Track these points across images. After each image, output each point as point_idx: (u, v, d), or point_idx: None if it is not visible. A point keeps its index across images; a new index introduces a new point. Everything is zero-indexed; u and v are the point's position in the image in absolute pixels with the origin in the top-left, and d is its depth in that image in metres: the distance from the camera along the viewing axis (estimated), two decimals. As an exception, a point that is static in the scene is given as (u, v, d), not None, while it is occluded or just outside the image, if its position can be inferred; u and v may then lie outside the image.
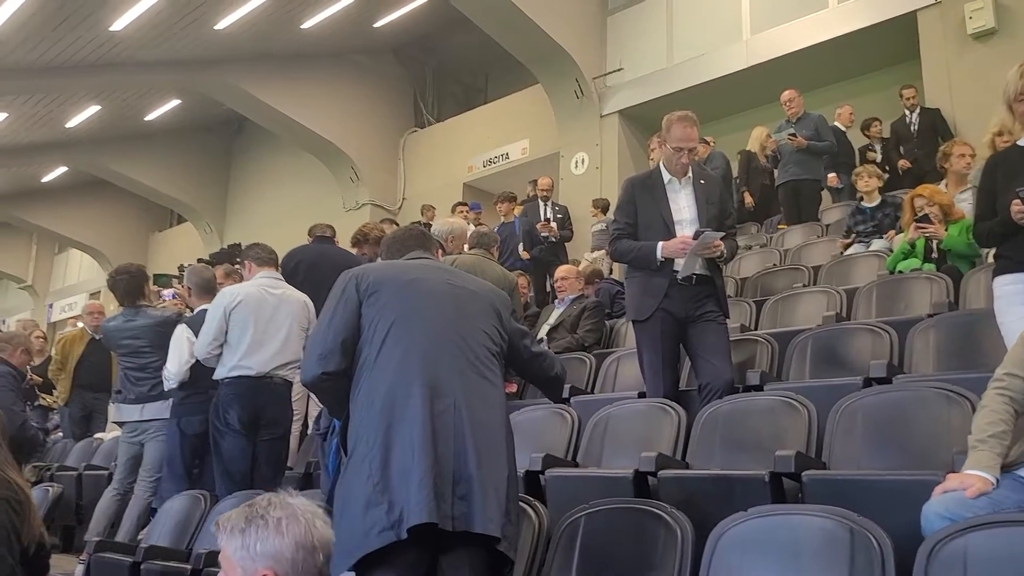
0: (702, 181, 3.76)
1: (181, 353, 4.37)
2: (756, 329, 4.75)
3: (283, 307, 4.33)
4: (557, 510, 2.78)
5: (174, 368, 4.35)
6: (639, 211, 3.70)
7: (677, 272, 3.59)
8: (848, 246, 5.79)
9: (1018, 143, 2.87)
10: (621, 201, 3.81)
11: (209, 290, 4.73)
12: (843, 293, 4.72)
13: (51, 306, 19.88)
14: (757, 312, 4.99)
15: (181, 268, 8.72)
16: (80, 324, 8.19)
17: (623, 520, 2.53)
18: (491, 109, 12.92)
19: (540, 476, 3.18)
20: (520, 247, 7.14)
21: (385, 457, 2.16)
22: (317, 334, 2.42)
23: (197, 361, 4.31)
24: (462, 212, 8.09)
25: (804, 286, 5.26)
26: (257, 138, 15.85)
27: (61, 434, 7.45)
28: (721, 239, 3.57)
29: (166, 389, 4.50)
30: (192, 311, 4.92)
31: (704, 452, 3.15)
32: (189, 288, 4.72)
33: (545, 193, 8.43)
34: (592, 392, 4.47)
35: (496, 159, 12.44)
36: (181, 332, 4.44)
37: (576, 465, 3.45)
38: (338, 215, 11.90)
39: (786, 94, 7.53)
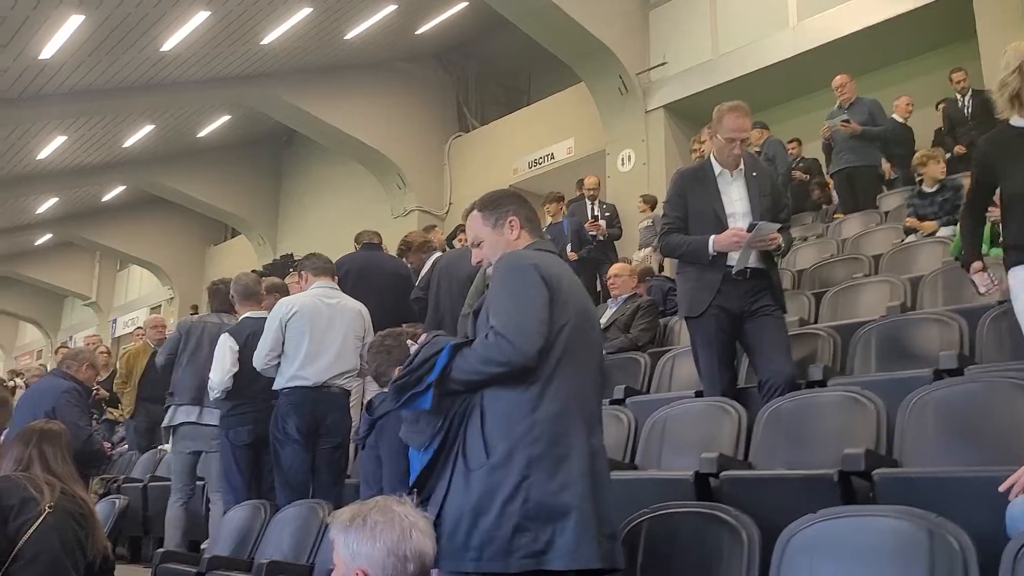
0: (754, 173, 3.66)
1: (224, 363, 4.40)
2: (816, 322, 4.61)
3: (338, 317, 4.36)
4: (618, 515, 2.72)
5: (217, 378, 4.39)
6: (690, 204, 3.62)
7: (731, 266, 3.50)
8: (917, 227, 5.63)
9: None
10: (671, 194, 3.73)
11: (252, 297, 4.77)
12: (907, 282, 4.56)
13: (115, 321, 20.49)
14: (816, 305, 4.85)
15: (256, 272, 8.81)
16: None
17: (687, 525, 2.46)
18: (534, 110, 12.88)
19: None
20: (568, 248, 7.08)
21: (545, 483, 2.05)
22: (520, 308, 2.13)
23: (240, 372, 4.36)
24: (461, 240, 7.84)
25: (865, 276, 5.09)
26: (305, 149, 16.09)
27: (127, 447, 7.64)
28: (777, 231, 3.47)
29: (211, 399, 4.55)
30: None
31: (767, 452, 3.06)
32: (235, 296, 4.77)
33: (592, 192, 8.34)
34: (648, 392, 4.39)
35: (541, 160, 12.39)
36: (224, 342, 4.47)
37: (634, 467, 3.39)
38: (386, 222, 12.00)
39: (838, 79, 7.33)
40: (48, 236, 18.55)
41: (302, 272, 4.71)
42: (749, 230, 3.42)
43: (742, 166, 3.64)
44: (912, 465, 2.60)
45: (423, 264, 5.63)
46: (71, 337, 20.76)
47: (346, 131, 13.00)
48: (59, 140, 12.74)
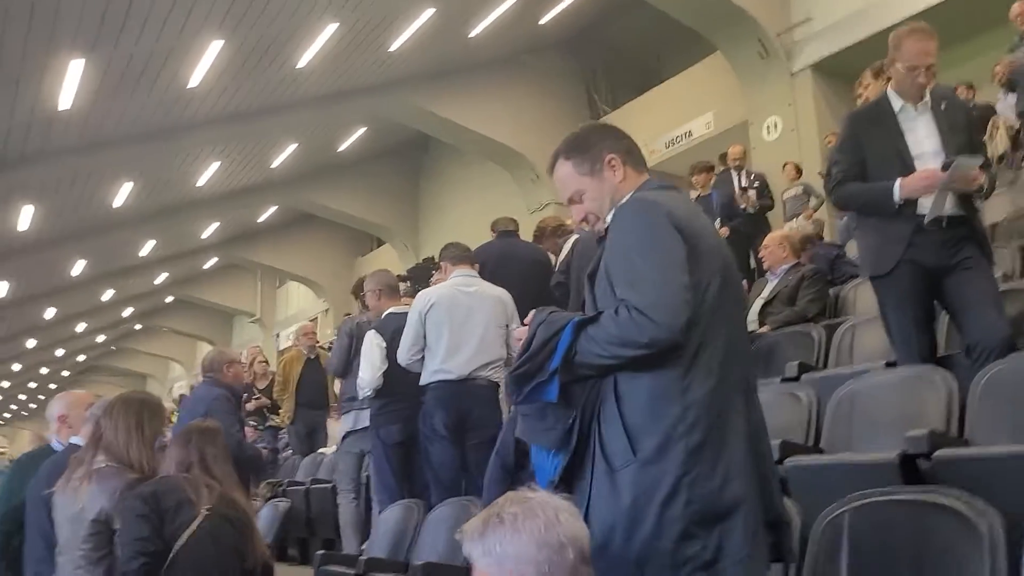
0: (943, 105, 3.12)
1: (372, 360, 4.32)
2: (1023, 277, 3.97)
3: (478, 306, 4.19)
4: (806, 506, 2.33)
5: (367, 376, 4.32)
6: (867, 148, 3.11)
7: (922, 215, 2.99)
8: None
9: None
10: (842, 139, 3.24)
11: (392, 293, 4.69)
12: None
13: (278, 335, 21.64)
14: (1021, 258, 4.18)
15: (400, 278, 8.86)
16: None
17: (901, 516, 2.03)
18: (668, 88, 12.36)
19: (779, 466, 2.73)
20: (717, 222, 6.60)
21: (707, 478, 1.70)
22: (658, 272, 1.73)
23: (388, 369, 4.26)
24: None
25: (1078, 222, 4.36)
26: (441, 153, 16.29)
27: (290, 451, 7.87)
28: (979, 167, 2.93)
29: (360, 398, 4.49)
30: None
31: (988, 426, 2.56)
32: (379, 291, 4.69)
33: (737, 162, 7.80)
34: (825, 367, 3.91)
35: (679, 139, 11.87)
36: (371, 338, 4.40)
37: (820, 451, 2.95)
38: (523, 217, 11.84)
39: (1016, 7, 6.42)
40: (214, 259, 19.84)
41: (441, 263, 4.59)
42: (943, 170, 2.91)
43: (927, 99, 3.11)
44: None
45: (559, 249, 5.36)
46: (242, 353, 22.09)
47: (477, 130, 13.00)
48: (214, 165, 13.51)
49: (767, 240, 5.36)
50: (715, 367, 1.76)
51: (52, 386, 28.35)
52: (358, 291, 5.26)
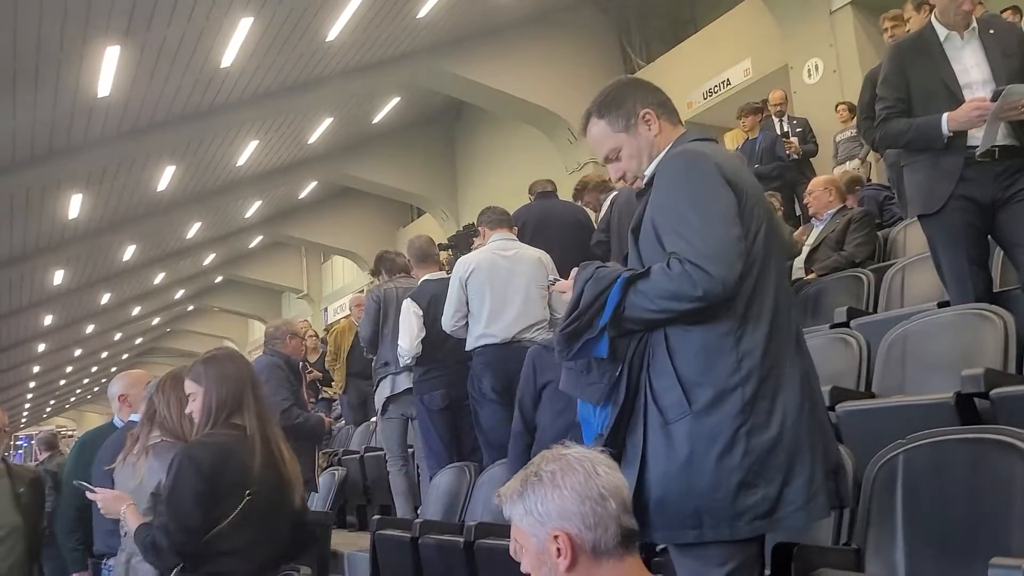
0: (991, 30, 2.98)
1: (411, 328, 4.34)
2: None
3: (517, 269, 4.19)
4: (858, 452, 2.30)
5: (406, 344, 4.34)
6: (912, 81, 3.00)
7: (973, 147, 2.87)
8: None
9: None
10: (887, 73, 3.11)
11: (428, 259, 4.68)
12: None
13: (326, 310, 21.95)
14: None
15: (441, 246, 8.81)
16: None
17: (957, 455, 2.00)
18: (703, 37, 12.05)
19: (830, 412, 2.69)
20: (756, 167, 6.45)
21: (763, 427, 1.71)
22: (710, 224, 1.73)
23: (427, 336, 4.28)
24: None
25: None
26: (475, 119, 16.20)
27: (343, 421, 8.02)
28: (1033, 92, 2.80)
29: (401, 365, 4.51)
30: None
31: (1048, 363, 2.48)
32: (410, 260, 4.71)
33: (779, 108, 7.59)
34: (875, 311, 3.82)
35: (716, 88, 11.59)
36: (407, 307, 4.41)
37: (872, 396, 2.90)
38: (561, 177, 11.76)
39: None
40: (259, 238, 20.13)
41: (480, 228, 4.58)
42: (994, 99, 2.78)
43: (974, 24, 2.97)
44: None
45: (600, 205, 5.30)
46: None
47: (510, 92, 12.87)
48: (252, 144, 13.63)
49: (811, 185, 5.25)
50: (765, 317, 1.77)
51: (113, 369, 29.29)
52: (379, 263, 5.22)
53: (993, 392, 2.27)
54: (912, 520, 1.99)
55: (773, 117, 7.53)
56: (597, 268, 1.84)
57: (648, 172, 1.93)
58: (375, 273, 5.35)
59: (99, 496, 2.54)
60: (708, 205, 1.75)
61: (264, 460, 2.35)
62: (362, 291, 18.99)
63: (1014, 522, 1.79)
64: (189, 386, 2.48)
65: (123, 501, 2.49)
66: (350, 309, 8.48)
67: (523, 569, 1.52)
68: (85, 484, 2.58)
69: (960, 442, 2.01)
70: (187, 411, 2.50)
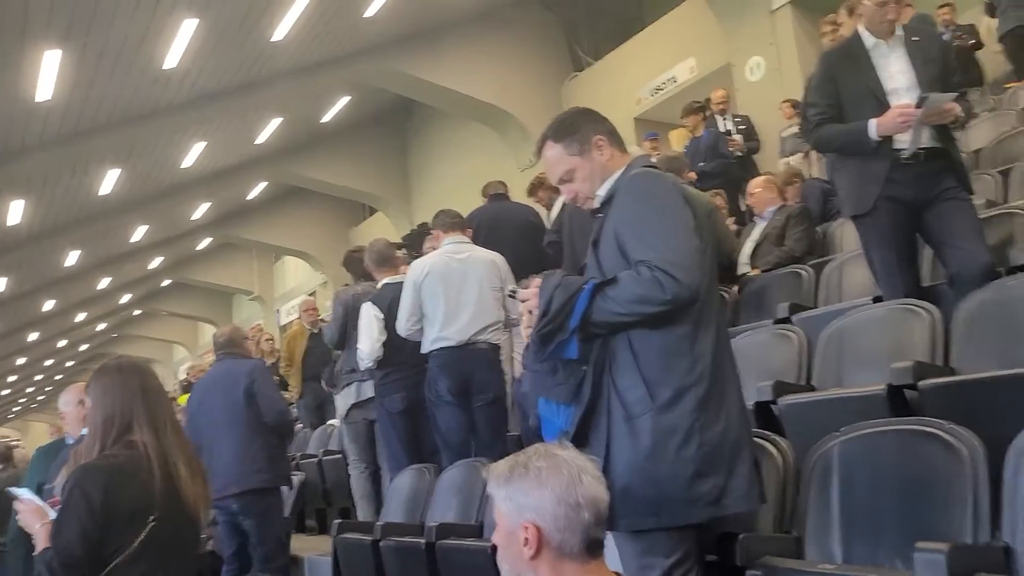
0: (915, 37, 3.14)
1: (371, 331, 4.38)
2: (1006, 202, 4.02)
3: (471, 271, 4.25)
4: (799, 443, 2.43)
5: (366, 348, 4.38)
6: (841, 88, 3.15)
7: (900, 150, 3.03)
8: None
9: None
10: (818, 80, 3.26)
11: (387, 263, 4.72)
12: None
13: (279, 311, 21.70)
14: (1004, 183, 4.23)
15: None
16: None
17: (887, 445, 2.13)
18: (649, 34, 12.21)
19: (772, 406, 2.83)
20: (701, 164, 6.60)
21: (713, 423, 1.91)
22: (676, 235, 1.92)
23: (388, 339, 4.33)
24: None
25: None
26: (426, 117, 16.16)
27: (300, 425, 7.99)
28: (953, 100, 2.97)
29: (361, 368, 4.55)
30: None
31: (973, 354, 2.64)
32: (371, 262, 4.74)
33: (721, 106, 7.77)
34: (815, 307, 3.98)
35: (663, 85, 11.78)
36: (368, 310, 4.45)
37: (811, 389, 3.04)
38: (514, 175, 11.83)
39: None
40: (208, 240, 19.78)
41: (433, 231, 4.63)
42: (918, 105, 2.94)
43: (900, 32, 3.13)
44: None
45: (551, 203, 5.40)
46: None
47: (460, 90, 12.88)
48: (199, 146, 13.40)
49: (752, 185, 5.41)
50: (712, 324, 1.98)
51: (58, 377, 28.54)
52: (349, 264, 5.27)
53: (921, 383, 2.41)
54: (847, 508, 2.12)
55: (716, 115, 7.71)
56: (564, 276, 2.02)
57: (602, 192, 2.11)
58: (347, 266, 5.37)
59: (21, 507, 2.28)
60: (673, 219, 1.95)
61: (163, 481, 2.15)
62: (312, 294, 18.89)
63: (936, 508, 1.93)
64: (86, 402, 2.35)
65: (40, 518, 2.21)
66: (299, 314, 8.42)
67: (493, 539, 1.65)
68: (15, 490, 2.36)
69: (889, 433, 2.15)
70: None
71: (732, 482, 1.91)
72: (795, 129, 7.71)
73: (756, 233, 5.03)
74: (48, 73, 8.97)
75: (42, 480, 3.34)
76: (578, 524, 1.54)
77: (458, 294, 4.15)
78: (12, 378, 26.58)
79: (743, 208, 6.96)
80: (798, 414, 2.71)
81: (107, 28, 8.77)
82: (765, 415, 2.81)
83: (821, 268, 4.24)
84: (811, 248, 4.83)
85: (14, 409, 34.25)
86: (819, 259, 4.62)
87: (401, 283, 4.41)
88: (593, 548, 1.56)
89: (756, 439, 2.24)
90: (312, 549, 4.98)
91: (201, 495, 2.27)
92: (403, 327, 4.23)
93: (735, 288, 4.63)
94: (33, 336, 21.79)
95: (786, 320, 3.70)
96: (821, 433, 2.31)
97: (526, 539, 1.54)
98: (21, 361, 24.45)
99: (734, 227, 5.71)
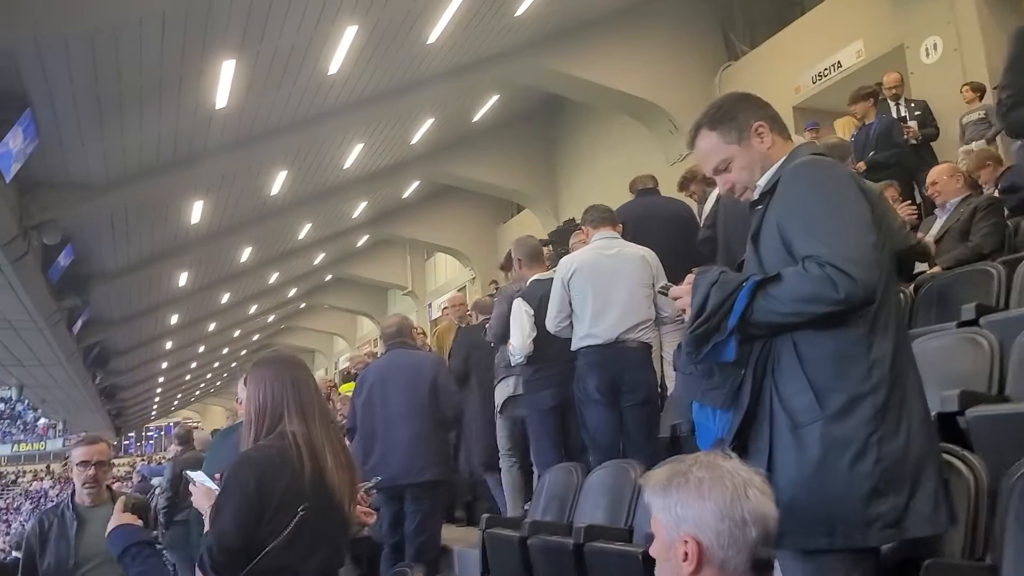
0: None
1: (522, 327, 4.38)
2: None
3: (620, 268, 4.16)
4: (990, 460, 2.17)
5: (518, 343, 4.38)
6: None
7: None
8: None
9: None
10: (1011, 58, 2.93)
11: (537, 259, 4.71)
12: None
13: (430, 306, 22.41)
14: None
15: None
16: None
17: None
18: (811, 18, 11.57)
19: (958, 418, 2.55)
20: (872, 155, 6.13)
21: (893, 436, 1.72)
22: (852, 230, 1.73)
23: (538, 335, 4.30)
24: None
25: None
26: (573, 113, 16.15)
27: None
28: None
29: (512, 364, 4.55)
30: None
31: None
32: (520, 259, 4.73)
33: (894, 91, 7.20)
34: (1007, 308, 3.58)
35: (826, 72, 11.11)
36: (519, 306, 4.45)
37: (1006, 400, 2.73)
38: (662, 169, 11.56)
39: None
40: (366, 237, 20.75)
41: (583, 227, 4.58)
42: None
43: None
44: None
45: (705, 196, 5.19)
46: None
47: (608, 85, 12.74)
48: (358, 147, 14.03)
49: (934, 174, 4.94)
50: (892, 328, 1.78)
51: (233, 364, 30.93)
52: (507, 266, 5.31)
53: None
54: (1055, 537, 1.86)
55: (889, 101, 7.16)
56: (721, 272, 1.86)
57: (762, 183, 1.95)
58: (505, 269, 5.44)
59: (195, 489, 2.39)
60: (847, 211, 1.77)
61: (312, 471, 2.21)
62: (463, 288, 19.34)
63: None
64: (240, 393, 2.42)
65: (210, 500, 2.27)
66: (448, 310, 8.58)
67: (651, 552, 1.54)
68: (190, 474, 2.46)
69: (1109, 455, 1.87)
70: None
71: (915, 502, 1.70)
72: (977, 115, 7.05)
73: (936, 227, 4.61)
74: (225, 81, 9.66)
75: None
76: (744, 542, 1.41)
77: (607, 291, 4.07)
78: (193, 364, 29.04)
79: (918, 200, 6.44)
80: (990, 428, 2.42)
81: (276, 38, 9.32)
82: (949, 428, 2.54)
83: (1013, 266, 3.81)
84: (1000, 245, 4.37)
85: (195, 393, 37.44)
86: (1009, 256, 4.17)
87: (550, 280, 4.39)
88: (760, 569, 1.43)
89: (943, 454, 2.02)
90: (460, 540, 5.05)
91: (347, 483, 2.30)
92: (552, 324, 4.20)
93: (910, 288, 4.26)
94: (211, 326, 23.66)
95: (972, 323, 3.35)
96: (1016, 449, 2.06)
97: (685, 553, 1.43)
98: (201, 349, 26.65)
99: (914, 220, 5.25)
